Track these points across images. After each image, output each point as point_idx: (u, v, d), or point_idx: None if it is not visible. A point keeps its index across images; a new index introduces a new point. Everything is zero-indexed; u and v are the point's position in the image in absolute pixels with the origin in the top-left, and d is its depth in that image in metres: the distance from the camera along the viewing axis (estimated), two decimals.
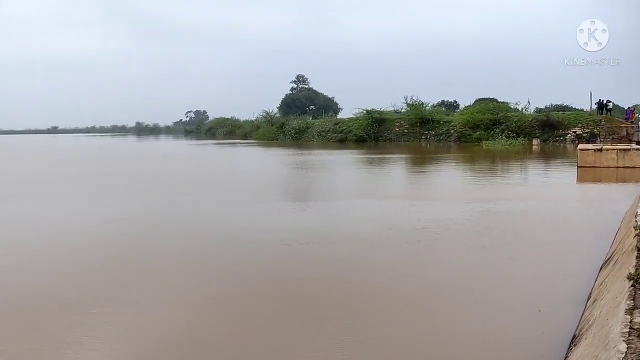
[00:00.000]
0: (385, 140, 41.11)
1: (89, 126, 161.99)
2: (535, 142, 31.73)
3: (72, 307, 4.75)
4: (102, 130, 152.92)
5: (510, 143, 31.83)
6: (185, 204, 10.91)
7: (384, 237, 7.19)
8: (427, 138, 39.26)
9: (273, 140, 50.45)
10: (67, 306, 4.79)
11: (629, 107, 35.79)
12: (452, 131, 38.11)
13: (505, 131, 34.29)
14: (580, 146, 18.91)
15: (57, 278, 5.76)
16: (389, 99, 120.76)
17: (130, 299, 4.95)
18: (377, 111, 43.25)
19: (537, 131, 34.32)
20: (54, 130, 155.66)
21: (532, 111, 40.10)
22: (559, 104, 47.26)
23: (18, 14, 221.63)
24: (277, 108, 75.97)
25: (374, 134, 42.17)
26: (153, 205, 10.86)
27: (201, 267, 5.99)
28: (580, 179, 15.12)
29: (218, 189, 13.75)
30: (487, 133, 35.05)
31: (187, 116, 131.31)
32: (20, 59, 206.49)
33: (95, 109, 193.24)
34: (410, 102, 42.44)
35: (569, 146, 30.04)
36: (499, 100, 42.23)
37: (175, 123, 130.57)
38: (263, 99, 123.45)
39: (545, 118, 35.40)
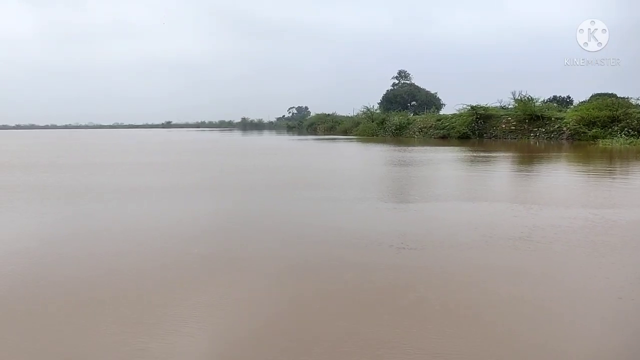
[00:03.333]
0: (490, 138, 39.57)
1: (199, 121, 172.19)
2: None
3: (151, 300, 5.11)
4: (211, 125, 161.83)
5: (631, 142, 29.30)
6: (280, 200, 11.19)
7: (482, 245, 6.81)
8: (536, 136, 37.21)
9: (373, 136, 50.47)
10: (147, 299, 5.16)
11: None
12: (564, 128, 35.75)
13: (626, 129, 31.57)
14: None
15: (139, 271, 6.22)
16: (495, 95, 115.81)
17: (212, 296, 5.21)
18: (482, 107, 41.72)
19: None
20: (167, 125, 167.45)
21: None
22: None
23: (134, 18, 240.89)
24: (378, 104, 75.98)
25: (478, 130, 40.76)
26: (245, 200, 11.29)
27: (288, 268, 6.00)
28: None
29: (315, 185, 13.95)
30: (604, 131, 32.50)
31: (290, 112, 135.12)
32: (137, 60, 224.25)
33: (204, 105, 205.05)
34: (519, 98, 40.38)
35: None
36: (618, 96, 39.03)
37: (278, 119, 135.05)
38: (363, 95, 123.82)
39: None
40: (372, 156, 25.87)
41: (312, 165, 20.41)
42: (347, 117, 71.78)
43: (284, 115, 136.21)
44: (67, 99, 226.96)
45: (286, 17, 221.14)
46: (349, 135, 55.55)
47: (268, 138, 58.33)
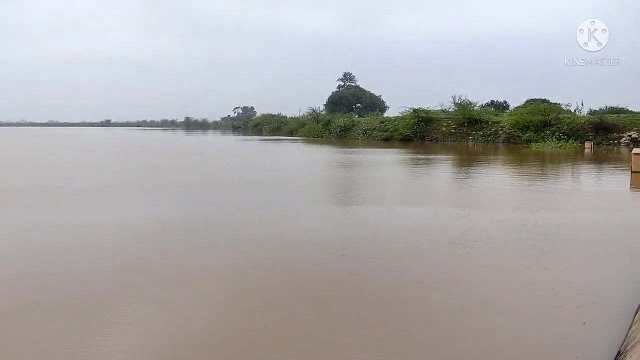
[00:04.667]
0: (431, 140, 40.64)
1: (140, 120, 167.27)
2: (587, 145, 30.62)
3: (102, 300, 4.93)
4: (152, 124, 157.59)
5: (561, 145, 30.85)
6: (222, 204, 11.03)
7: (415, 250, 6.94)
8: (474, 138, 38.55)
9: (318, 137, 50.70)
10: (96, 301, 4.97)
11: None
12: (500, 132, 37.27)
13: (556, 133, 33.23)
14: (635, 150, 18.13)
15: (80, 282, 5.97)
16: (437, 98, 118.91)
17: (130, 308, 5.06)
18: (423, 110, 42.79)
19: (589, 134, 33.13)
20: (107, 124, 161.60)
21: (586, 113, 38.69)
22: (614, 106, 45.45)
23: (75, 11, 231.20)
24: (324, 105, 76.46)
25: (420, 133, 41.74)
26: (185, 203, 11.11)
27: (221, 280, 5.88)
28: (634, 184, 14.54)
29: (259, 188, 13.85)
30: (537, 135, 34.07)
31: (235, 112, 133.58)
32: (77, 56, 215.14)
33: (146, 103, 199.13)
34: (458, 102, 41.74)
35: (623, 150, 28.84)
36: (550, 101, 41.01)
37: (223, 119, 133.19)
38: (310, 96, 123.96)
39: (598, 120, 34.11)
40: (317, 158, 25.95)
41: (256, 167, 20.22)
42: (293, 118, 71.84)
43: (229, 115, 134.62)
44: None
45: (233, 14, 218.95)
46: (294, 136, 55.56)
47: (213, 138, 57.44)
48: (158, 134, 72.36)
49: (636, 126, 32.73)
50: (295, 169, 19.62)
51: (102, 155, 26.88)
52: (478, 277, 5.83)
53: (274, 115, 79.91)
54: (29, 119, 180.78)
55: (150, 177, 16.24)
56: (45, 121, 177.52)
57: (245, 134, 73.51)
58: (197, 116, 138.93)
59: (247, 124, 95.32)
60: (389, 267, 6.24)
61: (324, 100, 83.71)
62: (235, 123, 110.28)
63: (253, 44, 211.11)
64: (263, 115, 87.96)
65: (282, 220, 9.14)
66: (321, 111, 63.86)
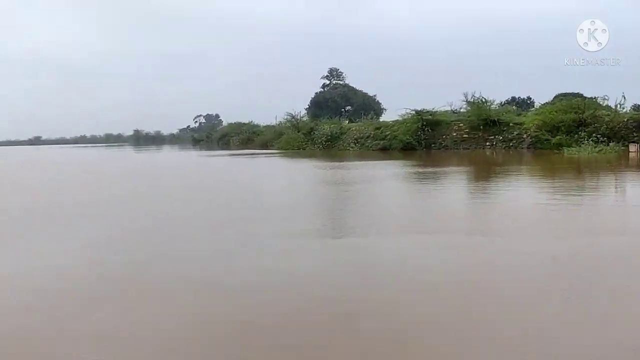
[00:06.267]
0: (439, 148, 40.66)
1: (78, 135, 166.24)
2: (632, 148, 30.81)
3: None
4: (94, 140, 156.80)
5: (600, 150, 30.95)
6: (187, 239, 10.69)
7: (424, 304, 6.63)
8: (492, 144, 38.64)
9: (300, 149, 50.57)
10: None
11: None
12: (524, 135, 37.40)
13: (594, 135, 33.36)
14: None
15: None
16: (444, 97, 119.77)
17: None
18: (429, 112, 42.90)
19: (634, 134, 33.32)
20: (36, 141, 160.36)
21: (629, 109, 38.96)
22: None
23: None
24: (305, 110, 76.67)
25: (425, 140, 41.78)
26: (145, 240, 10.72)
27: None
28: None
29: (226, 217, 13.47)
30: (570, 137, 34.19)
31: (196, 122, 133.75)
32: None
33: (86, 115, 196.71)
34: (472, 100, 41.87)
35: None
36: (584, 96, 41.32)
37: (181, 130, 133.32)
38: (288, 99, 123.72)
39: None
40: (300, 176, 25.60)
41: (225, 190, 19.80)
42: (268, 126, 71.87)
43: (189, 126, 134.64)
44: None
45: (187, 3, 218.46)
46: (270, 149, 55.30)
47: (166, 157, 56.96)
48: (94, 152, 71.66)
49: None
50: (277, 192, 19.22)
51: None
52: (491, 340, 5.45)
53: (244, 124, 79.86)
54: None
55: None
56: None
57: (209, 148, 73.30)
58: (149, 128, 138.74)
59: (211, 135, 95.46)
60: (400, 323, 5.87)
61: (306, 103, 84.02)
62: (196, 135, 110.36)
63: (215, 38, 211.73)
64: (230, 124, 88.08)
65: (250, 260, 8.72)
66: (302, 117, 63.79)
